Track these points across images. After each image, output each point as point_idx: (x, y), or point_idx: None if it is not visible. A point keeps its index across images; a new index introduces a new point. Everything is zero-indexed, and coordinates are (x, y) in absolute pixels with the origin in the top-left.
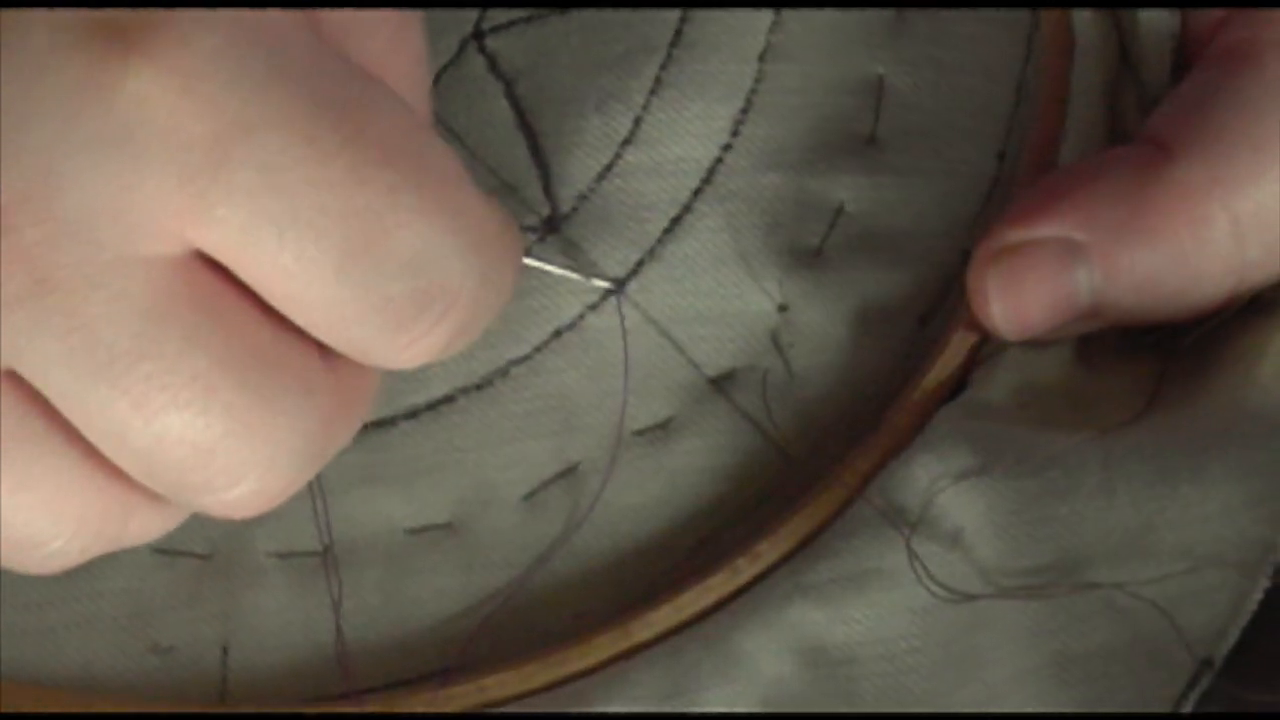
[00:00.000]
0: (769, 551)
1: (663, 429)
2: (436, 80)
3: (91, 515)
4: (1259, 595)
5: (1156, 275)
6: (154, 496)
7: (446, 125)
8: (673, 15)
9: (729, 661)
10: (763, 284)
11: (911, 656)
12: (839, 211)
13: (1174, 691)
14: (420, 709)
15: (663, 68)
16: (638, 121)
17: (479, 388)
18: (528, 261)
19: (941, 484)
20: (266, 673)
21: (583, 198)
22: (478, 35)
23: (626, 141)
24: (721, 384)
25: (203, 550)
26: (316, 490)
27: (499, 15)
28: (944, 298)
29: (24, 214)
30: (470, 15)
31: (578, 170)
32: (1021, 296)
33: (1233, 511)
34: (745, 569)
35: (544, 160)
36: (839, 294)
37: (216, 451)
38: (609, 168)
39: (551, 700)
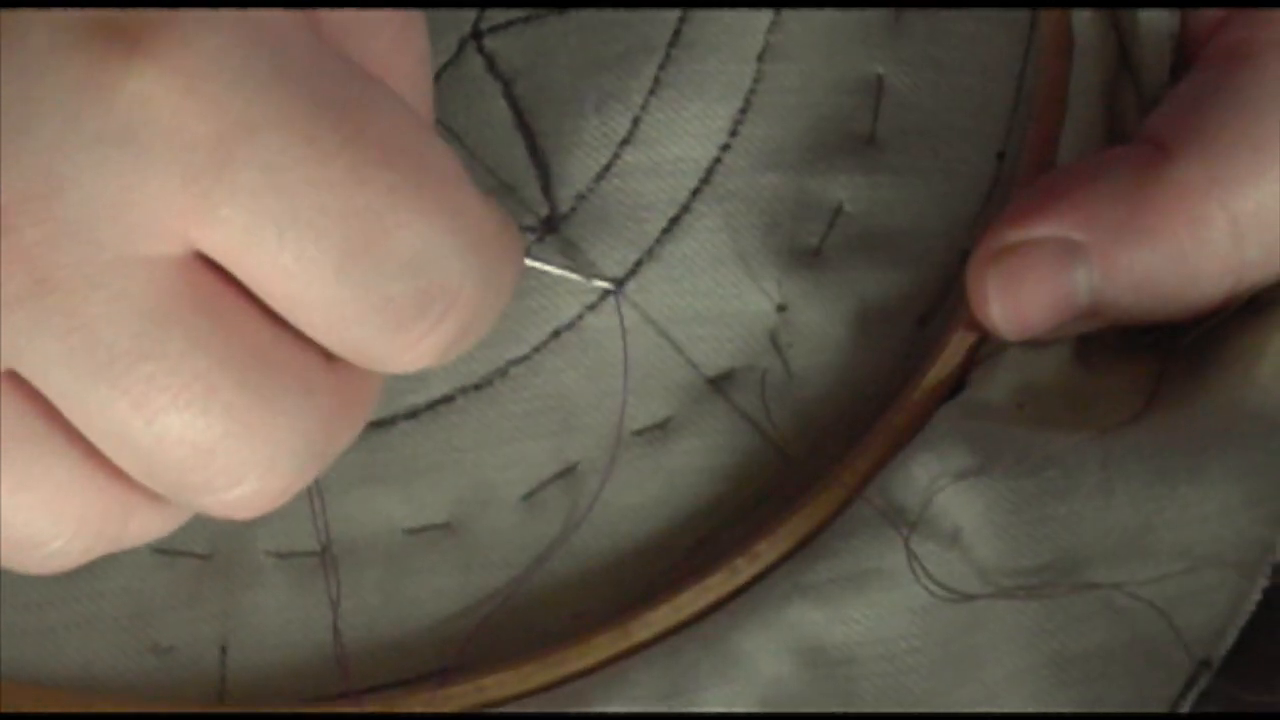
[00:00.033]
0: (768, 551)
1: (661, 429)
2: (435, 80)
3: (92, 515)
4: (1257, 595)
5: (1155, 275)
6: (154, 497)
7: (445, 125)
8: (671, 15)
9: (728, 661)
10: (761, 284)
11: (911, 656)
12: (838, 211)
13: (1172, 692)
14: (419, 709)
15: (661, 68)
16: (636, 121)
17: (478, 388)
18: (526, 262)
19: (940, 484)
20: (265, 672)
21: (581, 198)
22: (476, 35)
23: (625, 141)
24: (720, 384)
25: (202, 550)
26: (314, 490)
27: (497, 15)
28: (943, 298)
29: (24, 214)
30: (469, 15)
31: (576, 170)
32: (1020, 296)
33: (1231, 511)
34: (744, 569)
35: (542, 160)
36: (838, 294)
37: (217, 452)
38: (607, 168)
39: (550, 700)
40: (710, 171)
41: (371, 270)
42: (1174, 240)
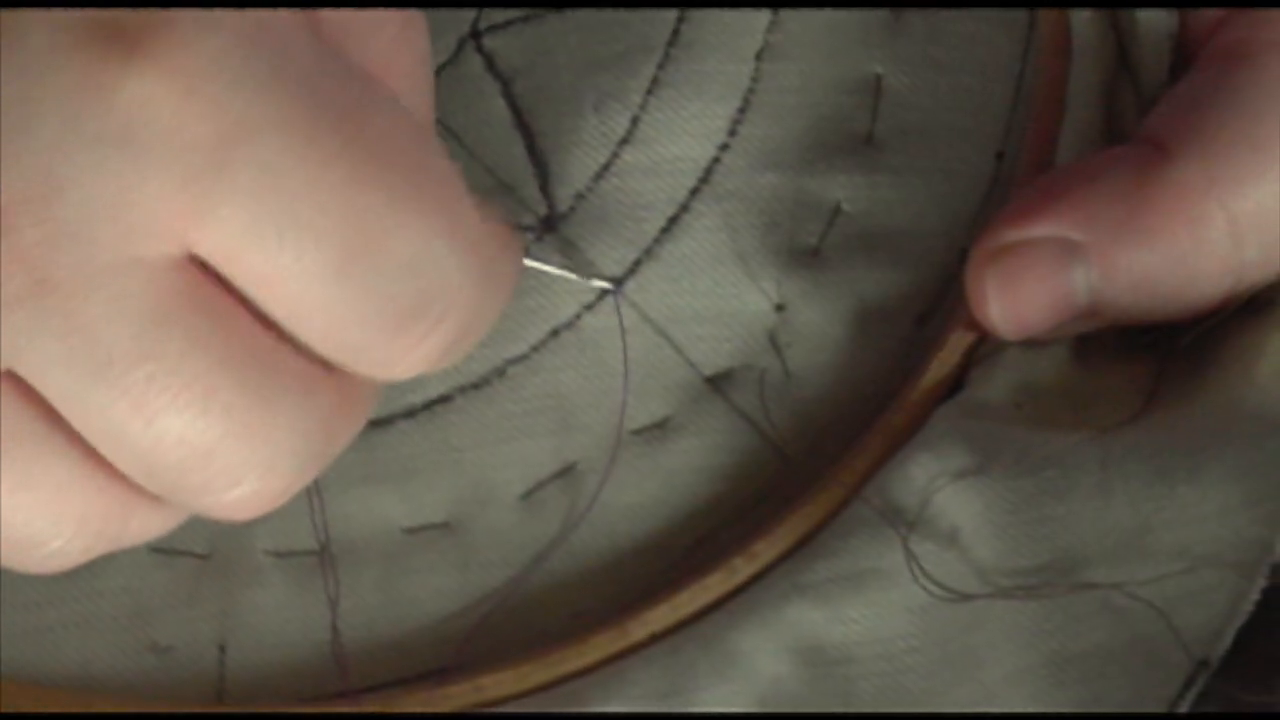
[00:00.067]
0: (766, 551)
1: (660, 428)
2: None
3: (92, 515)
4: (1256, 595)
5: (1154, 275)
6: (154, 496)
7: (444, 124)
8: (670, 15)
9: (726, 661)
10: (760, 284)
11: (909, 656)
12: (836, 211)
13: (1170, 692)
14: (417, 708)
15: (660, 67)
16: (635, 121)
17: (476, 387)
18: (525, 261)
19: (939, 483)
20: (264, 671)
21: (580, 197)
22: (475, 34)
23: (624, 141)
24: (719, 383)
25: (201, 549)
26: (313, 489)
27: (496, 15)
28: (942, 297)
29: (24, 214)
30: (468, 15)
31: (575, 169)
32: (1019, 296)
33: (1230, 512)
34: (742, 568)
35: (541, 159)
36: (837, 294)
37: (216, 453)
38: (606, 167)
39: (548, 700)
40: (709, 171)
41: (369, 273)
42: (1173, 240)
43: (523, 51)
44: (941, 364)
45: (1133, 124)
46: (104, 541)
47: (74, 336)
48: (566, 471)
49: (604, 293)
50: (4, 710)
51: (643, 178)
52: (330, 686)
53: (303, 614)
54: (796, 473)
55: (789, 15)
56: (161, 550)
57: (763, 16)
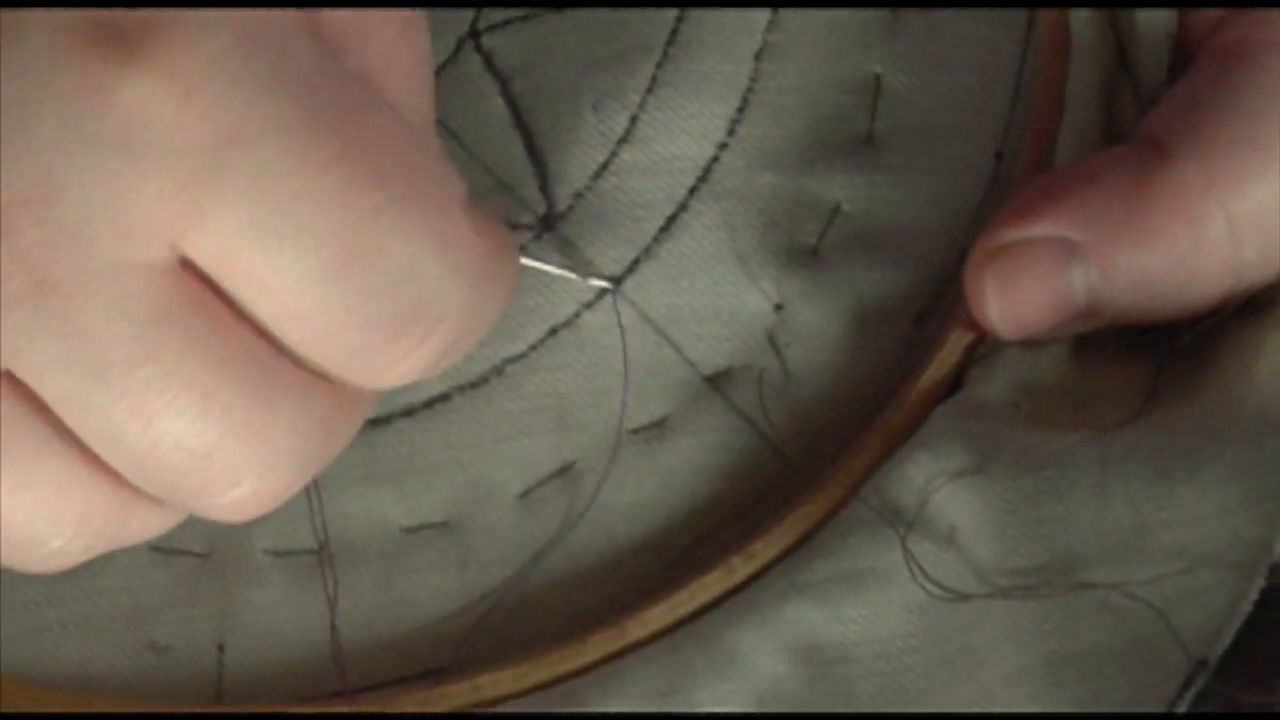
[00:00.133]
0: (764, 550)
1: (659, 427)
2: None
3: (92, 515)
4: (1254, 596)
5: (1153, 275)
6: (154, 496)
7: (443, 123)
8: (669, 14)
9: (724, 660)
10: (759, 283)
11: (908, 655)
12: (835, 211)
13: (1169, 692)
14: (415, 708)
15: (659, 66)
16: (634, 120)
17: (475, 386)
18: (524, 260)
19: (937, 483)
20: (263, 671)
21: (579, 196)
22: (474, 34)
23: (623, 140)
24: (717, 383)
25: (200, 548)
26: (312, 488)
27: (495, 14)
28: (941, 297)
29: (24, 215)
30: (467, 14)
31: (574, 168)
32: (1018, 296)
33: (1229, 512)
34: (741, 568)
35: (540, 158)
36: (835, 293)
37: (214, 454)
38: (605, 166)
39: (547, 699)
40: (708, 170)
41: (367, 276)
42: (1172, 240)
43: (522, 51)
44: (940, 364)
45: (1131, 124)
46: (104, 541)
47: (73, 337)
48: (565, 471)
49: (603, 292)
50: (3, 710)
51: (641, 177)
52: (329, 686)
53: (301, 613)
54: (795, 472)
55: (788, 15)
56: (161, 549)
57: (761, 16)
